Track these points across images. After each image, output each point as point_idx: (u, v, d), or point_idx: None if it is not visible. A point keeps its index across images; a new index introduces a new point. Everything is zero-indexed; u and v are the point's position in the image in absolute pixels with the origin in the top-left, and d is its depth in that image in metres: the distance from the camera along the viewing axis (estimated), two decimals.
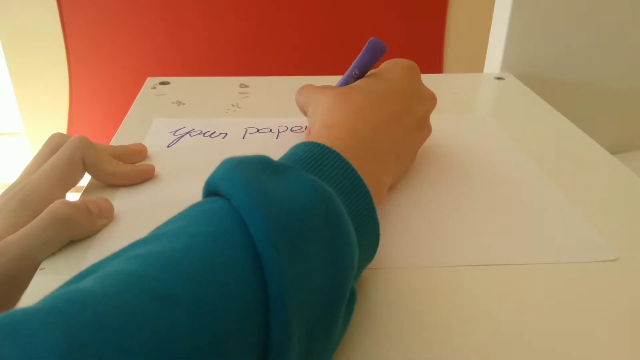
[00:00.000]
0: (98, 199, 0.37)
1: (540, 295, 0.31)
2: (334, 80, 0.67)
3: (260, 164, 0.26)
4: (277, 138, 0.51)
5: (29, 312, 0.17)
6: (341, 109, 0.37)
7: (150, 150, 0.47)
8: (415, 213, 0.39)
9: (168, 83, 0.65)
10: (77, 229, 0.34)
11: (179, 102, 0.59)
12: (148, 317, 0.18)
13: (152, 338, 0.17)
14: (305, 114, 0.45)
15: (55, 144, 0.40)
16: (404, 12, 1.26)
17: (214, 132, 0.52)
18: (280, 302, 0.21)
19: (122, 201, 0.40)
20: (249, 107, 0.58)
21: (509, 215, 0.39)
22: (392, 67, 0.41)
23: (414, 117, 0.40)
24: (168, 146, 0.49)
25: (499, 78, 0.69)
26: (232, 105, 0.59)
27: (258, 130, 0.52)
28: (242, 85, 0.64)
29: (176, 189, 0.42)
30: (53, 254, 0.34)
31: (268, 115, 0.55)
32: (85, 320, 0.17)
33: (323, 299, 0.24)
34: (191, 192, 0.41)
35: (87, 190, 0.41)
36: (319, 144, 0.30)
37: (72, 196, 0.38)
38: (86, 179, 0.41)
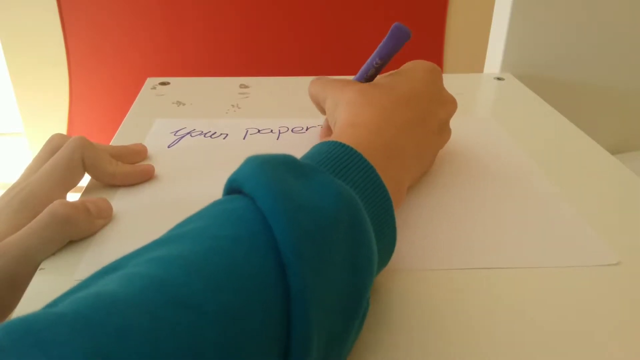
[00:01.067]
0: (97, 199, 0.37)
1: (542, 299, 0.31)
2: None
3: (286, 164, 0.26)
4: (277, 139, 0.51)
5: (51, 318, 0.17)
6: (365, 107, 0.36)
7: (150, 150, 0.47)
8: (413, 215, 0.39)
9: (168, 83, 0.65)
10: (76, 229, 0.34)
11: (179, 103, 0.59)
12: (173, 326, 0.18)
13: (176, 348, 0.17)
14: (319, 106, 0.45)
15: (55, 144, 0.40)
16: (404, 12, 1.26)
17: (215, 132, 0.52)
18: (303, 312, 0.21)
19: (121, 201, 0.40)
20: (249, 107, 0.58)
21: (510, 217, 0.39)
22: (414, 68, 0.41)
23: (435, 120, 0.39)
24: (169, 146, 0.49)
25: (499, 78, 0.69)
26: (232, 105, 0.59)
27: (259, 130, 0.52)
28: (242, 86, 0.64)
29: (176, 189, 0.42)
30: (53, 254, 0.34)
31: (268, 116, 0.55)
32: (111, 329, 0.17)
33: (342, 307, 0.24)
34: (191, 192, 0.42)
35: (87, 190, 0.41)
36: (343, 145, 0.30)
37: (72, 196, 0.38)
38: (86, 179, 0.41)
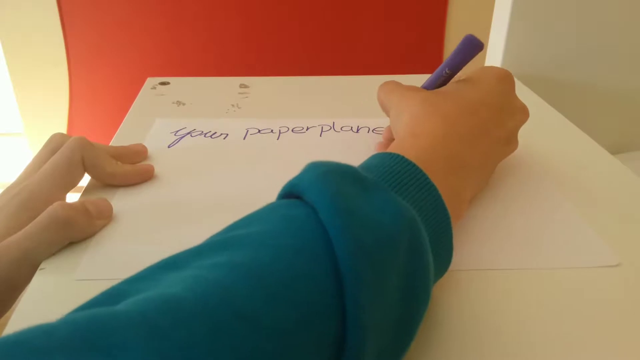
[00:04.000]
0: (97, 200, 0.37)
1: (542, 300, 0.31)
2: (335, 80, 0.67)
3: (349, 175, 0.25)
4: (277, 139, 0.51)
5: (116, 317, 0.17)
6: (429, 117, 0.35)
7: (150, 150, 0.47)
8: None
9: (168, 83, 0.65)
10: (76, 231, 0.34)
11: (179, 103, 0.59)
12: (233, 338, 0.18)
13: None
14: (387, 112, 0.43)
15: (55, 144, 0.40)
16: (404, 12, 1.26)
17: (215, 132, 0.52)
18: (358, 333, 0.21)
19: (121, 201, 0.40)
20: (249, 107, 0.58)
21: (509, 218, 0.39)
22: (486, 75, 0.39)
23: (503, 130, 0.38)
24: (169, 146, 0.49)
25: None
26: (232, 105, 0.59)
27: (259, 130, 0.52)
28: (242, 86, 0.64)
29: (176, 189, 0.42)
30: (53, 254, 0.34)
31: (268, 116, 0.55)
32: (175, 342, 0.17)
33: (395, 332, 0.23)
34: (191, 192, 0.42)
35: (87, 190, 0.41)
36: (405, 160, 0.29)
37: (72, 197, 0.38)
38: (86, 179, 0.41)
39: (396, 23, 1.27)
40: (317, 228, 0.23)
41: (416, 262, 0.24)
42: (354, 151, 0.48)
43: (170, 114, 0.56)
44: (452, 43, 1.30)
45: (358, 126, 0.53)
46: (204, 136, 0.51)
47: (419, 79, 0.68)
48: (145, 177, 0.43)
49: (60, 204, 0.34)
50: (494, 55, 0.74)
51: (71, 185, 0.38)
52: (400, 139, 0.34)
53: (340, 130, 0.52)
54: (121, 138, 0.50)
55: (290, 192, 0.26)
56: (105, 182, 0.41)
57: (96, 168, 0.40)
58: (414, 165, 0.29)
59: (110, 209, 0.38)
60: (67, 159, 0.38)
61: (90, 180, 0.42)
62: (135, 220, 0.38)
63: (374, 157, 0.31)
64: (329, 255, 0.22)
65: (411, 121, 0.36)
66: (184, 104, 0.59)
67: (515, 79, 0.68)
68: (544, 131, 0.53)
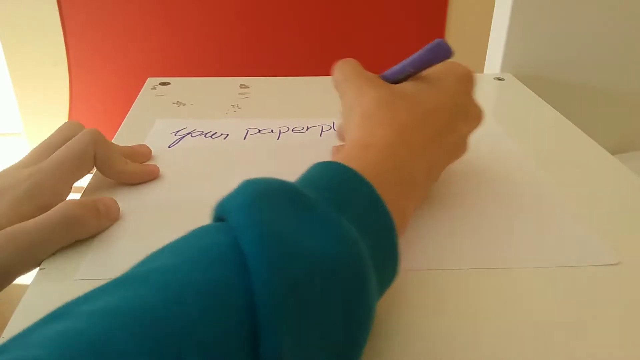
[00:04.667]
0: (106, 199, 0.37)
1: (542, 299, 0.31)
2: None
3: (286, 194, 0.23)
4: (278, 139, 0.51)
5: None
6: (382, 124, 0.33)
7: (152, 151, 0.47)
8: (413, 215, 0.39)
9: (168, 83, 0.65)
10: (84, 230, 0.34)
11: (179, 103, 0.59)
12: None
13: None
14: (340, 96, 0.40)
15: (68, 132, 0.40)
16: (404, 12, 1.26)
17: (215, 132, 0.52)
18: None
19: (123, 201, 0.40)
20: (249, 107, 0.58)
21: (510, 217, 0.39)
22: (446, 75, 0.37)
23: (455, 136, 0.36)
24: (169, 146, 0.49)
25: (499, 78, 0.69)
26: (232, 105, 0.59)
27: (259, 130, 0.52)
28: (242, 86, 0.64)
29: (177, 189, 0.42)
30: (53, 253, 0.34)
31: (268, 116, 0.55)
32: None
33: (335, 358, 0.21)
34: (192, 192, 0.42)
35: (88, 190, 0.41)
36: (351, 172, 0.27)
37: (72, 196, 0.38)
38: (86, 177, 0.41)
39: (396, 23, 1.27)
40: (236, 260, 0.20)
41: (357, 291, 0.22)
42: None
43: (171, 114, 0.56)
44: (452, 43, 1.30)
45: None
46: (204, 136, 0.51)
47: None
48: (151, 177, 0.43)
49: (74, 202, 0.33)
50: (494, 55, 0.74)
51: (79, 177, 0.38)
52: (350, 148, 0.32)
53: None
54: (121, 138, 0.51)
55: (218, 216, 0.23)
56: (113, 179, 0.41)
57: (107, 165, 0.40)
58: (359, 176, 0.27)
59: (118, 210, 0.37)
60: (79, 152, 0.38)
61: (92, 178, 0.42)
62: (136, 220, 0.38)
63: (315, 166, 0.28)
64: (245, 297, 0.19)
65: (362, 124, 0.34)
66: (184, 104, 0.59)
67: (515, 79, 0.68)
68: (544, 131, 0.53)
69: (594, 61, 0.73)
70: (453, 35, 1.29)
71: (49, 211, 0.33)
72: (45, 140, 0.40)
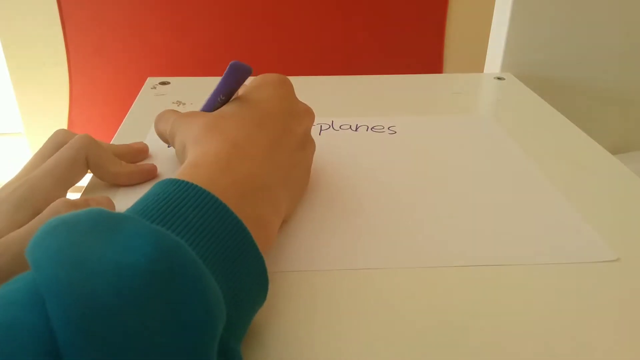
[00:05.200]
0: (100, 198, 0.37)
1: (541, 295, 0.31)
2: (335, 80, 0.67)
3: (90, 220, 0.21)
4: None
5: None
6: (213, 142, 0.32)
7: (151, 149, 0.47)
8: (414, 213, 0.39)
9: (168, 83, 0.65)
10: None
11: (179, 102, 0.59)
12: None
13: None
14: (169, 143, 0.40)
15: (59, 140, 0.40)
16: (404, 12, 1.26)
17: None
18: None
19: (122, 202, 0.40)
20: None
21: (509, 215, 0.39)
22: (261, 86, 0.38)
23: (294, 137, 0.36)
24: (169, 146, 0.49)
25: (499, 78, 0.69)
26: None
27: None
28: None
29: None
30: None
31: None
32: None
33: None
34: None
35: (87, 190, 0.41)
36: (177, 181, 0.26)
37: (72, 196, 0.38)
38: (86, 177, 0.41)
39: (396, 23, 1.27)
40: (32, 299, 0.18)
41: (184, 292, 0.20)
42: (353, 149, 0.48)
43: None
44: (452, 43, 1.30)
45: (357, 125, 0.53)
46: None
47: (419, 79, 0.68)
48: (149, 176, 0.43)
49: (63, 201, 0.33)
50: (494, 55, 0.74)
51: (72, 182, 0.38)
52: (180, 170, 0.30)
53: (339, 128, 0.53)
54: (121, 138, 0.51)
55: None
56: (109, 181, 0.41)
57: (100, 168, 0.40)
58: (186, 183, 0.26)
59: (113, 208, 0.37)
60: (71, 156, 0.38)
61: (91, 179, 0.42)
62: None
63: (152, 188, 0.27)
64: (44, 332, 0.17)
65: (192, 150, 0.33)
66: (184, 104, 0.59)
67: (516, 79, 0.68)
68: (544, 131, 0.53)
69: (594, 61, 0.73)
70: (453, 35, 1.29)
71: (40, 214, 0.33)
72: (37, 151, 0.40)
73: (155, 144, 0.48)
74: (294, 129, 0.36)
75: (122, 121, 0.54)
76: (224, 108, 0.37)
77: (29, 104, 1.32)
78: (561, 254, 0.35)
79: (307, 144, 0.39)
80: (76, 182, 0.39)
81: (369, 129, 0.53)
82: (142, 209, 0.24)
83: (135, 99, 0.60)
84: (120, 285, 0.19)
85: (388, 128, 0.53)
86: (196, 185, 0.26)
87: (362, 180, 0.43)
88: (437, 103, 0.61)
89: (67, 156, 0.38)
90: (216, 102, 0.38)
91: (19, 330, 0.17)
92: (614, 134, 0.78)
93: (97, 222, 0.21)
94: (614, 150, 0.57)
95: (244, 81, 0.38)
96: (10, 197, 0.35)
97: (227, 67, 0.36)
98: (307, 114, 0.39)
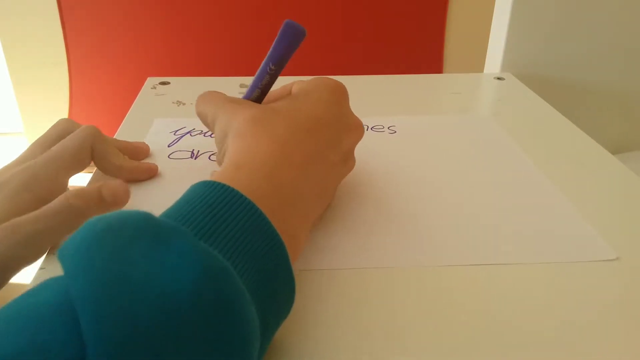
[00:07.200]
0: (112, 184, 0.35)
1: (541, 294, 0.31)
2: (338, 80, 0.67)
3: (137, 227, 0.20)
4: None
5: None
6: (258, 141, 0.30)
7: (151, 150, 0.47)
8: (414, 213, 0.39)
9: (168, 83, 0.65)
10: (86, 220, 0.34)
11: (179, 102, 0.59)
12: None
13: None
14: (209, 127, 0.38)
15: (62, 129, 0.40)
16: (404, 12, 1.26)
17: None
18: None
19: None
20: None
21: (509, 214, 0.39)
22: (318, 88, 0.36)
23: (339, 150, 0.34)
24: (169, 145, 0.49)
25: (499, 78, 0.69)
26: None
27: None
28: (242, 86, 0.64)
29: (176, 189, 0.42)
30: (53, 248, 0.33)
31: None
32: None
33: None
34: None
35: (94, 180, 0.41)
36: (226, 188, 0.25)
37: (81, 177, 0.38)
38: (86, 177, 0.41)
39: (396, 23, 1.27)
40: (62, 319, 0.17)
41: (225, 322, 0.20)
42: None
43: (170, 114, 0.56)
44: (452, 43, 1.30)
45: None
46: (204, 135, 0.51)
47: (419, 79, 0.68)
48: (150, 175, 0.43)
49: (76, 192, 0.33)
50: (494, 55, 0.74)
51: (76, 171, 0.38)
52: (221, 170, 0.29)
53: None
54: (121, 137, 0.50)
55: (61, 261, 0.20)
56: (111, 174, 0.41)
57: (104, 160, 0.40)
58: (232, 190, 0.25)
59: (127, 194, 0.36)
60: (77, 147, 0.38)
61: (95, 172, 0.42)
62: None
63: (189, 189, 0.26)
64: (79, 353, 0.16)
65: (237, 146, 0.31)
66: (183, 104, 0.59)
67: (516, 79, 0.68)
68: (544, 131, 0.53)
69: (594, 61, 0.73)
70: (453, 35, 1.29)
71: (51, 202, 0.32)
72: (40, 137, 0.40)
73: (153, 144, 0.48)
74: (341, 141, 0.35)
75: (122, 121, 0.54)
76: (276, 103, 0.35)
77: (29, 104, 1.32)
78: (561, 253, 0.35)
79: (348, 161, 0.37)
80: (79, 172, 0.38)
81: (369, 128, 0.53)
82: (188, 212, 0.24)
83: (135, 99, 0.60)
84: (164, 316, 0.18)
85: (388, 128, 0.53)
86: (242, 195, 0.25)
87: (362, 180, 0.43)
88: (437, 103, 0.61)
89: (73, 145, 0.38)
90: (265, 74, 0.35)
91: (53, 356, 0.16)
92: (614, 134, 0.78)
93: (144, 231, 0.20)
94: (614, 150, 0.57)
95: (297, 47, 0.34)
96: (11, 181, 0.34)
97: (282, 27, 0.33)
98: (357, 129, 0.37)
